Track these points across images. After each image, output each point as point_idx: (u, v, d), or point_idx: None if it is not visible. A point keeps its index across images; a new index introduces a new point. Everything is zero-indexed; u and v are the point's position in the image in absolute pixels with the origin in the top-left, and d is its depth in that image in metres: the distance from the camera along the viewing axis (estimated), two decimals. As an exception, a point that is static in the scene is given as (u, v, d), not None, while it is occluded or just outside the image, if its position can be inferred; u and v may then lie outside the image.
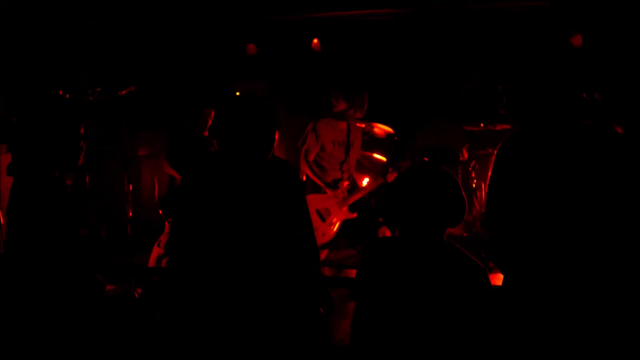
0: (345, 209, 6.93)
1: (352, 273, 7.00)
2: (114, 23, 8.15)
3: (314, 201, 6.81)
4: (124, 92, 7.48)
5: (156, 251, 6.90)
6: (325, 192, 6.93)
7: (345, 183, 7.01)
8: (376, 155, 8.42)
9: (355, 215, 6.97)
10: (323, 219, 6.88)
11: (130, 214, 7.41)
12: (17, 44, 8.10)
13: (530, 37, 7.60)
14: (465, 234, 8.23)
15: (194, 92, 8.87)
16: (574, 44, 7.10)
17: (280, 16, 8.08)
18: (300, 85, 9.43)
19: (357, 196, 7.07)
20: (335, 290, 6.61)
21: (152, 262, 6.92)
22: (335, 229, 6.88)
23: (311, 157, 7.06)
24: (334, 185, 7.03)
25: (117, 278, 7.07)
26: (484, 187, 8.51)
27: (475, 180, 8.52)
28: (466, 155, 8.62)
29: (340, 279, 7.11)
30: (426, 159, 8.30)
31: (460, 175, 8.38)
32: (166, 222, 6.87)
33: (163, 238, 6.84)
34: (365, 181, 8.67)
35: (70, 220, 6.94)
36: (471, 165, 8.57)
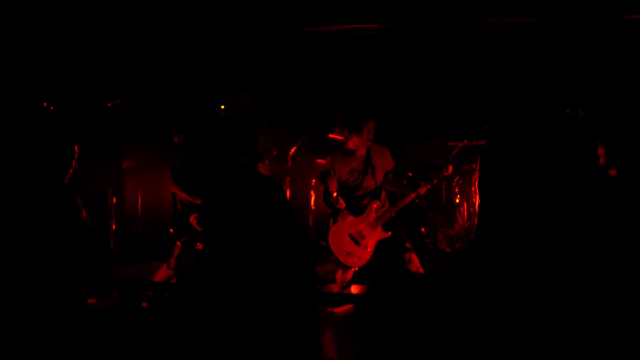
0: (379, 229, 6.87)
1: (335, 288, 7.03)
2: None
3: (345, 227, 6.86)
4: (110, 104, 7.40)
5: (165, 272, 6.81)
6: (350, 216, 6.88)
7: (375, 204, 6.95)
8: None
9: (389, 234, 6.90)
10: (357, 243, 6.87)
11: (114, 227, 7.34)
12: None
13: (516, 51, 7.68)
14: (448, 249, 8.25)
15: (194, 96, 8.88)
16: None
17: (272, 29, 8.10)
18: (290, 97, 9.43)
19: (388, 215, 6.99)
20: (319, 305, 6.62)
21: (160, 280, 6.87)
22: (370, 250, 6.84)
23: (333, 189, 7.05)
24: (352, 208, 6.99)
25: (99, 291, 6.99)
26: (467, 203, 8.54)
27: (459, 196, 8.52)
28: (450, 170, 8.63)
29: (323, 294, 7.09)
30: (410, 174, 8.29)
31: (444, 191, 8.34)
32: (177, 242, 6.77)
33: (173, 260, 6.74)
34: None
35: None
36: (455, 181, 8.57)
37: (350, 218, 6.90)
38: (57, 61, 8.18)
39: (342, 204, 7.00)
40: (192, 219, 6.62)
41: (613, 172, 3.39)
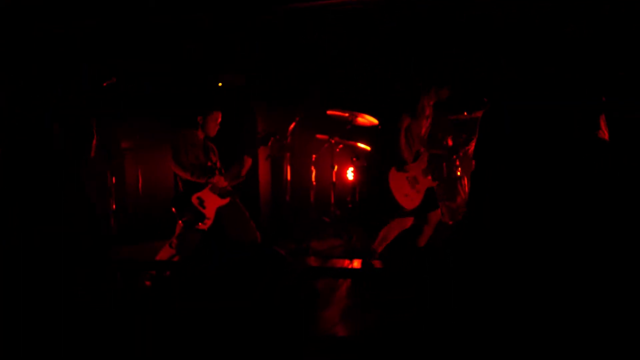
0: (429, 177, 7.19)
1: (338, 263, 7.04)
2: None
3: (403, 172, 7.14)
4: (105, 83, 7.34)
5: (168, 251, 6.88)
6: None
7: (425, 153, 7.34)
8: (360, 145, 8.47)
9: (436, 183, 7.27)
10: (413, 187, 7.12)
11: (114, 207, 7.41)
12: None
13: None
14: (450, 222, 8.22)
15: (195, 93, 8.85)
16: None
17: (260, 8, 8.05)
18: (285, 76, 9.39)
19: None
20: (321, 280, 6.64)
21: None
22: (421, 195, 7.11)
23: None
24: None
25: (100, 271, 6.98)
26: (467, 176, 8.46)
27: (460, 169, 8.47)
28: (450, 143, 8.60)
29: (326, 269, 7.10)
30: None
31: (445, 164, 8.39)
32: (179, 222, 6.85)
33: (175, 240, 6.81)
34: (350, 171, 8.72)
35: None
36: (455, 154, 8.45)
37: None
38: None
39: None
40: (194, 199, 6.75)
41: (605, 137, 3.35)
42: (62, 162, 7.02)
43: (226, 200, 6.94)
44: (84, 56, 8.29)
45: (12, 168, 6.76)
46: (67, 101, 7.26)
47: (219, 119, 7.13)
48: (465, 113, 8.36)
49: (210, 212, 6.83)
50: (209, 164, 7.05)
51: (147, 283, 6.41)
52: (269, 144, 7.67)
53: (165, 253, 6.91)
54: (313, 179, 8.67)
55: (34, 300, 5.28)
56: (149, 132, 8.88)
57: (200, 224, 6.77)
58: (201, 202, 6.82)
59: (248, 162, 7.04)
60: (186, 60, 9.02)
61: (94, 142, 6.93)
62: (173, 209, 6.83)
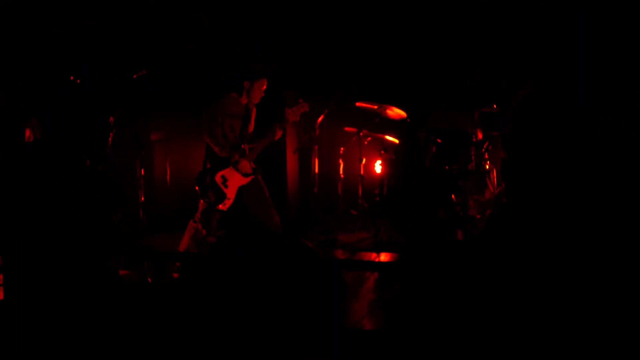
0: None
1: (365, 256, 7.03)
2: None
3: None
4: (135, 75, 7.34)
5: (191, 228, 7.00)
6: None
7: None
8: (388, 137, 8.50)
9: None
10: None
11: (143, 198, 7.35)
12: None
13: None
14: (478, 216, 8.17)
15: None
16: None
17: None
18: (314, 67, 9.35)
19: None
20: (349, 273, 6.62)
21: (186, 238, 7.03)
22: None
23: None
24: None
25: (130, 262, 6.99)
26: (496, 169, 8.43)
27: (488, 162, 8.34)
28: (480, 136, 8.52)
29: (353, 262, 7.09)
30: (439, 140, 8.24)
31: (473, 157, 8.24)
32: (201, 200, 6.97)
33: (199, 214, 6.97)
34: (378, 164, 8.70)
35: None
36: (484, 147, 8.37)
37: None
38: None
39: None
40: (218, 177, 6.82)
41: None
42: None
43: (248, 179, 6.92)
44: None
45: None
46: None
47: (264, 86, 7.10)
48: (495, 106, 8.23)
49: (231, 192, 6.85)
50: (244, 133, 6.99)
51: (175, 275, 6.51)
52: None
53: (188, 233, 7.01)
54: (341, 171, 8.66)
55: (37, 299, 5.32)
56: (178, 124, 8.94)
57: (220, 205, 6.83)
58: (224, 180, 6.84)
59: (279, 133, 7.01)
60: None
61: (110, 138, 6.99)
62: (197, 187, 6.90)
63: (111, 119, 6.93)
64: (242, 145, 6.90)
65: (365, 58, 9.15)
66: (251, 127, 7.10)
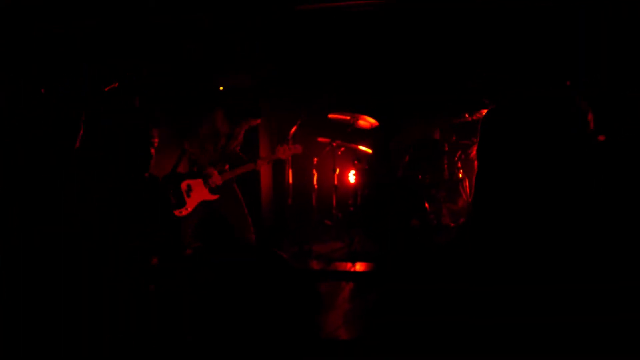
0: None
1: (340, 266, 7.03)
2: (114, 23, 8.10)
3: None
4: (107, 88, 7.28)
5: None
6: None
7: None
8: (361, 147, 8.47)
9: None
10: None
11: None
12: (18, 43, 8.03)
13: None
14: (452, 224, 8.23)
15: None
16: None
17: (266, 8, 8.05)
18: (291, 77, 9.37)
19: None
20: (324, 283, 6.64)
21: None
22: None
23: None
24: None
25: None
26: (469, 178, 8.52)
27: (461, 171, 8.47)
28: (452, 145, 8.57)
29: (328, 272, 7.10)
30: (411, 149, 8.32)
31: (446, 166, 8.36)
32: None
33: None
34: (352, 174, 8.73)
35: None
36: (457, 156, 8.52)
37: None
38: (57, 61, 8.13)
39: None
40: (184, 184, 6.84)
41: (602, 138, 3.39)
42: (61, 160, 7.07)
43: (214, 197, 6.86)
44: (84, 56, 8.31)
45: (13, 168, 6.77)
46: (66, 100, 7.31)
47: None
48: (467, 115, 8.31)
49: (192, 203, 6.82)
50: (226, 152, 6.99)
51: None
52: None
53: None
54: (315, 182, 8.67)
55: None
56: (162, 140, 8.74)
57: (176, 210, 6.79)
58: (189, 190, 6.84)
59: (249, 167, 6.96)
60: (188, 62, 8.98)
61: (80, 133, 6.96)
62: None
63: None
64: (221, 164, 6.90)
65: (337, 67, 9.16)
66: (237, 147, 7.10)
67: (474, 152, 8.26)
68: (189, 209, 6.79)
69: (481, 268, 3.00)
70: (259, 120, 7.16)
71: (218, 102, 7.18)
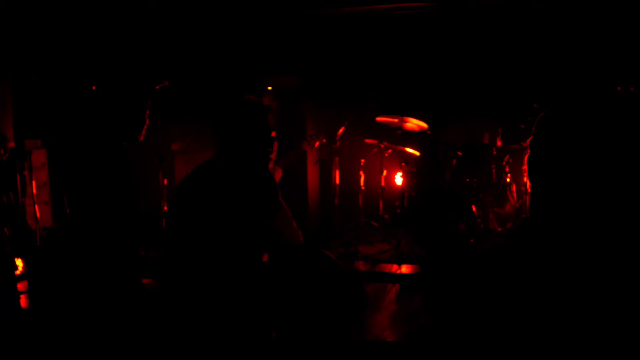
0: None
1: (387, 267, 7.04)
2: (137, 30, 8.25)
3: None
4: (158, 87, 7.42)
5: None
6: None
7: None
8: (409, 149, 8.44)
9: None
10: None
11: (165, 208, 7.45)
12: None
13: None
14: (499, 229, 8.21)
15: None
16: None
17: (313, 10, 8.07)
18: (333, 79, 9.38)
19: None
20: (370, 285, 6.65)
21: None
22: None
23: None
24: None
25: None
26: (517, 182, 8.50)
27: (509, 175, 8.40)
28: (495, 151, 8.50)
29: (375, 274, 7.12)
30: (460, 153, 8.29)
31: (494, 170, 8.32)
32: None
33: None
34: (399, 176, 8.71)
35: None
36: (505, 160, 8.44)
37: None
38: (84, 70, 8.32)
39: None
40: None
41: None
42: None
43: None
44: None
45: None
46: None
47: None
48: (516, 119, 8.26)
49: None
50: None
51: None
52: (316, 145, 7.58)
53: None
54: (362, 183, 8.67)
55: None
56: (199, 135, 8.92)
57: None
58: None
59: (278, 173, 7.01)
60: (237, 62, 9.05)
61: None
62: None
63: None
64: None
65: (386, 70, 9.17)
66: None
67: (524, 155, 8.18)
68: None
69: (539, 274, 2.95)
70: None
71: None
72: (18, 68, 8.63)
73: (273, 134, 3.82)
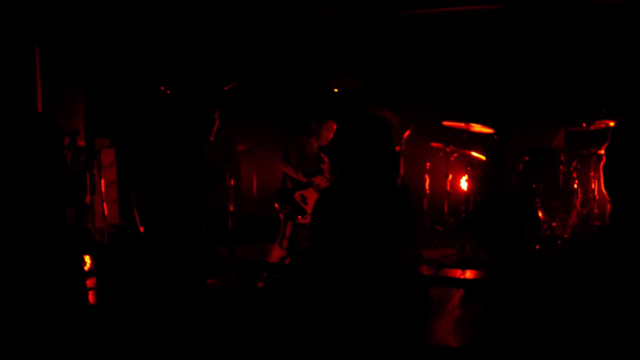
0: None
1: (450, 272, 7.00)
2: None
3: None
4: (227, 87, 7.38)
5: (278, 252, 7.17)
6: None
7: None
8: (474, 154, 8.42)
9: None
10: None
11: (232, 208, 7.54)
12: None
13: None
14: (565, 236, 8.05)
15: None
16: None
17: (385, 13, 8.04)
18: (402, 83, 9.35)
19: None
20: (434, 289, 6.60)
21: (274, 261, 7.19)
22: None
23: None
24: None
25: (219, 271, 6.95)
26: (585, 189, 8.32)
27: (577, 181, 8.19)
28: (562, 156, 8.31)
29: (439, 278, 7.08)
30: (526, 158, 8.18)
31: (561, 176, 8.13)
32: (280, 215, 7.19)
33: (285, 241, 7.13)
34: (464, 180, 8.64)
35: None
36: (573, 166, 8.24)
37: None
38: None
39: None
40: (297, 195, 7.08)
41: None
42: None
43: None
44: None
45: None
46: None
47: (333, 130, 7.26)
48: (584, 125, 8.13)
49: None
50: (316, 169, 7.23)
51: (260, 284, 6.47)
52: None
53: (276, 253, 7.14)
54: (427, 187, 8.65)
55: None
56: (264, 136, 9.15)
57: (300, 217, 7.02)
58: (304, 199, 7.07)
59: None
60: (303, 64, 9.11)
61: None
62: (275, 204, 7.16)
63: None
64: (313, 177, 7.17)
65: (452, 74, 9.13)
66: (324, 167, 7.31)
67: (592, 161, 8.09)
68: None
69: (621, 287, 2.89)
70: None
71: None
72: (89, 67, 8.78)
73: (397, 148, 3.79)
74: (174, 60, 8.58)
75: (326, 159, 7.32)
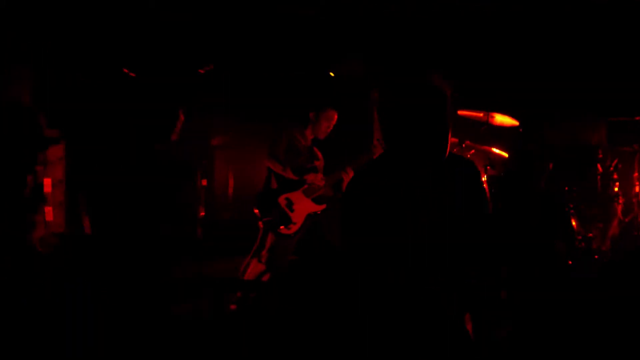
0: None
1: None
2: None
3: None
4: (202, 70, 6.76)
5: (257, 267, 6.59)
6: None
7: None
8: (495, 150, 7.74)
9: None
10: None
11: (202, 213, 6.88)
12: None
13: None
14: (604, 248, 7.46)
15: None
16: None
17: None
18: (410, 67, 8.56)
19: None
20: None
21: (250, 278, 6.68)
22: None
23: None
24: None
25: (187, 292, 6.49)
26: (628, 192, 7.73)
27: (617, 183, 7.56)
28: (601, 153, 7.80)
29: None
30: (557, 155, 7.51)
31: (599, 177, 7.54)
32: (260, 223, 6.61)
33: (265, 253, 6.53)
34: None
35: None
36: (613, 165, 7.60)
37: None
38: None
39: None
40: (282, 199, 6.44)
41: None
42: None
43: (321, 207, 6.59)
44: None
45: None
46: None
47: (334, 121, 6.77)
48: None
49: (298, 217, 6.56)
50: (309, 166, 6.67)
51: (232, 307, 6.19)
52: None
53: (254, 269, 6.54)
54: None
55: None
56: (244, 128, 8.65)
57: (283, 227, 6.41)
58: (289, 203, 6.51)
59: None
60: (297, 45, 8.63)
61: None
62: (255, 209, 6.55)
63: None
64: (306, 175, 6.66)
65: (471, 56, 8.43)
66: (318, 163, 6.84)
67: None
68: (298, 224, 6.49)
69: None
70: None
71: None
72: (37, 44, 8.01)
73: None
74: (140, 36, 8.00)
75: (320, 156, 6.81)
